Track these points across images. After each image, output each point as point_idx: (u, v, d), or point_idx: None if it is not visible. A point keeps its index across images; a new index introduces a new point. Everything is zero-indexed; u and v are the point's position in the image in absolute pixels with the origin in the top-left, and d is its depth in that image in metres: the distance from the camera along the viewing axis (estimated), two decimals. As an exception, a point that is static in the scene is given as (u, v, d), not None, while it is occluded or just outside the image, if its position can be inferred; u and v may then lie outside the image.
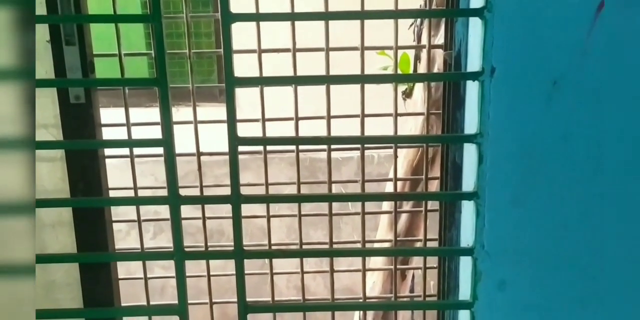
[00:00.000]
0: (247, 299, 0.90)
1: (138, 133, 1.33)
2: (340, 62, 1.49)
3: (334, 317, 1.62)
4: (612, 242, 0.87)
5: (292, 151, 1.57)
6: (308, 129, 1.43)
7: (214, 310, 1.64)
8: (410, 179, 2.12)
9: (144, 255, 1.50)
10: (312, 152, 2.25)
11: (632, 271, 0.89)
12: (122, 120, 1.40)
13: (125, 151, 1.49)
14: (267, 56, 1.48)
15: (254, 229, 3.06)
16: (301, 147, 1.56)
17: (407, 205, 2.03)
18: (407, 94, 2.27)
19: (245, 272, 0.90)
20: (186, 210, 0.97)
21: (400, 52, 1.59)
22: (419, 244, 1.84)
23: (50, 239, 1.32)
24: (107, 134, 1.35)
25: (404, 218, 2.15)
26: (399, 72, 1.97)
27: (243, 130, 0.83)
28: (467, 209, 0.92)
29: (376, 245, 2.18)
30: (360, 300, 1.69)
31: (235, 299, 0.90)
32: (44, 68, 1.19)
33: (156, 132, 0.89)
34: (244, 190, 0.87)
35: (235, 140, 0.84)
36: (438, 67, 1.86)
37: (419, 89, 2.18)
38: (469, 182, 0.91)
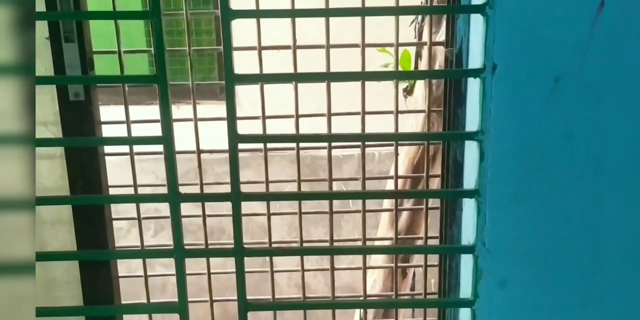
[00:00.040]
0: (248, 297, 0.90)
1: (138, 131, 1.32)
2: (340, 59, 1.48)
3: (335, 315, 1.62)
4: (612, 238, 0.87)
5: (292, 149, 1.56)
6: (309, 127, 1.42)
7: (215, 308, 1.64)
8: (411, 176, 2.12)
9: (144, 253, 1.50)
10: (312, 150, 2.23)
11: (632, 268, 0.89)
12: (122, 117, 1.39)
13: (125, 149, 1.48)
14: (268, 54, 1.47)
15: (255, 226, 3.06)
16: (302, 144, 1.55)
17: (408, 203, 2.02)
18: (408, 92, 2.27)
19: (246, 269, 0.90)
20: (186, 208, 0.97)
21: (401, 49, 1.59)
22: (419, 242, 1.84)
23: (50, 237, 1.31)
24: (107, 131, 1.35)
25: (404, 216, 2.14)
26: (400, 69, 1.97)
27: (243, 128, 0.82)
28: (468, 206, 0.91)
29: (377, 243, 2.18)
30: (361, 298, 1.68)
31: (236, 297, 0.90)
32: (44, 65, 1.19)
33: (156, 130, 0.89)
34: (244, 188, 0.87)
35: (235, 137, 0.84)
36: (439, 64, 1.85)
37: (420, 86, 2.18)
38: (470, 180, 0.91)
